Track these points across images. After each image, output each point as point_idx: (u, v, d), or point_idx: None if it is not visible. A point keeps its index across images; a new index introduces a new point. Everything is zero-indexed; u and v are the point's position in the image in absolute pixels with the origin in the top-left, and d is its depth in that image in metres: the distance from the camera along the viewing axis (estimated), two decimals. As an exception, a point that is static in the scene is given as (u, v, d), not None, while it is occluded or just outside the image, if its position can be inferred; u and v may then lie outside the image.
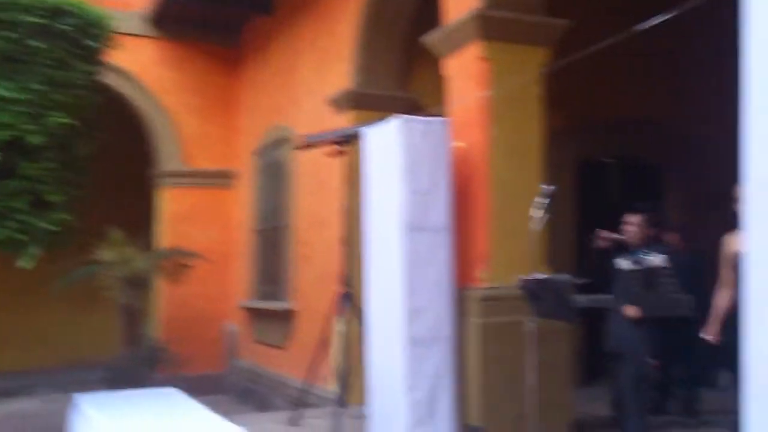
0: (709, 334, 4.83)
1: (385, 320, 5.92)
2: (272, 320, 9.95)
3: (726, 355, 5.65)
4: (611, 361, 5.22)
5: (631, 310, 4.80)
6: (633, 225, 5.16)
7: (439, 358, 5.70)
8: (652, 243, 5.13)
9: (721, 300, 4.73)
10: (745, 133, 3.19)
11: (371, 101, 7.89)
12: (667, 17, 4.08)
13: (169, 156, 11.40)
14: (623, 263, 4.38)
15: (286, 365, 9.30)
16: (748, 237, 3.25)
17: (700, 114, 8.80)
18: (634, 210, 5.27)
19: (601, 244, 5.22)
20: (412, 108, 7.48)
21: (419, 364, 5.65)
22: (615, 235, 5.19)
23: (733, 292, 4.23)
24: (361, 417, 6.37)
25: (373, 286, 6.15)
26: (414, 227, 5.74)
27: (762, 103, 3.18)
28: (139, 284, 9.93)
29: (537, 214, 5.01)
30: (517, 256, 5.67)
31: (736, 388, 4.34)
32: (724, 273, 4.42)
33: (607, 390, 5.55)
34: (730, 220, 4.53)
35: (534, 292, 4.95)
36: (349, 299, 6.67)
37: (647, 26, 4.13)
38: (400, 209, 5.76)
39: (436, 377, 5.67)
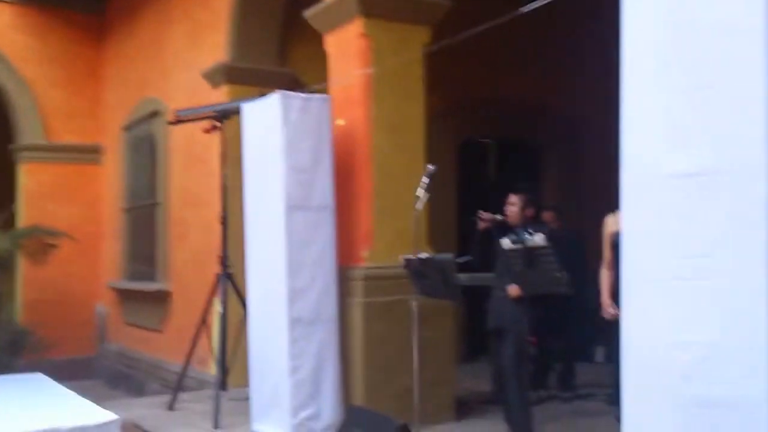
0: (607, 309, 4.90)
1: (267, 301, 5.81)
2: (146, 302, 9.61)
3: (601, 331, 5.90)
4: (492, 338, 5.32)
5: (513, 289, 4.90)
6: (514, 205, 5.25)
7: (323, 339, 5.64)
8: (532, 222, 5.24)
9: (605, 279, 4.88)
10: (623, 116, 3.31)
11: (248, 76, 7.67)
12: (547, 0, 4.14)
13: (29, 129, 10.77)
14: (505, 242, 4.45)
15: (161, 348, 9.02)
16: (624, 217, 3.38)
17: (579, 97, 9.06)
18: (515, 190, 5.37)
19: (483, 224, 5.28)
20: (292, 84, 7.33)
21: (302, 345, 5.57)
22: (496, 216, 5.26)
23: (611, 272, 4.38)
24: (241, 399, 6.26)
25: (253, 265, 6.01)
26: (295, 206, 5.64)
27: (638, 88, 3.29)
28: (-1, 265, 9.38)
29: (420, 193, 5.02)
30: (400, 235, 5.69)
31: (610, 363, 4.55)
32: (606, 252, 4.55)
33: (488, 366, 5.67)
34: (607, 201, 4.69)
35: (417, 271, 4.96)
36: (229, 279, 6.51)
37: (530, 9, 4.18)
38: (280, 187, 5.64)
39: (320, 358, 5.62)
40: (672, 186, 3.11)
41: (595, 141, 8.28)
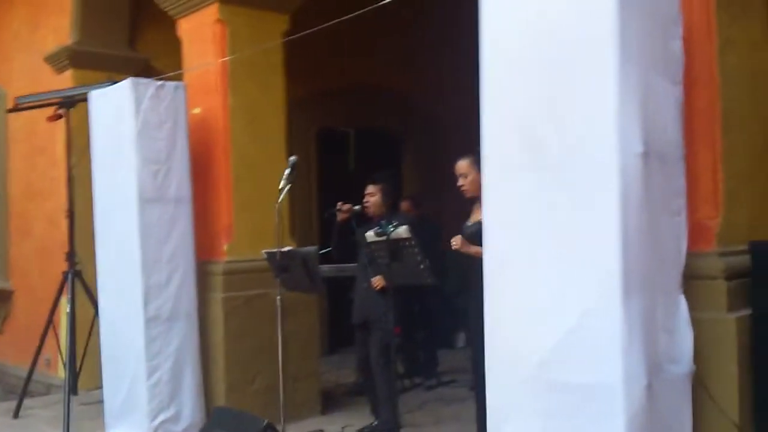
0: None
1: (120, 299, 5.54)
2: (-16, 301, 8.99)
3: (463, 316, 5.98)
4: (358, 330, 5.30)
5: (377, 280, 4.89)
6: (373, 195, 5.25)
7: (182, 337, 5.43)
8: (393, 212, 5.25)
9: None
10: (483, 112, 3.38)
11: (95, 60, 7.31)
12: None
13: None
14: (369, 234, 4.43)
15: (3, 351, 8.46)
16: (485, 209, 3.45)
17: (439, 88, 9.17)
18: (373, 179, 5.35)
19: (342, 216, 5.24)
20: (144, 70, 7.05)
21: (159, 345, 5.35)
22: (354, 207, 5.23)
23: None
24: (94, 403, 5.97)
25: (104, 262, 5.73)
26: (149, 199, 5.41)
27: (496, 84, 3.35)
28: None
29: (281, 185, 4.93)
30: (262, 227, 5.57)
31: (471, 349, 4.63)
32: None
33: (351, 357, 5.68)
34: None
35: (280, 264, 4.87)
36: (77, 277, 6.19)
37: (388, 1, 4.16)
38: (132, 179, 5.39)
39: (179, 357, 5.40)
40: (529, 179, 3.19)
41: (454, 131, 8.44)
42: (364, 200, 5.27)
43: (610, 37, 2.92)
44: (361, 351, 5.28)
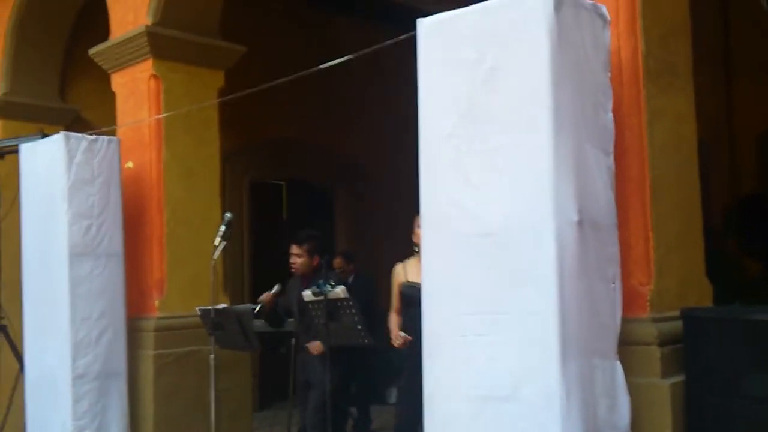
0: (397, 337, 4.66)
1: (47, 356, 5.40)
2: None
3: (395, 372, 5.97)
4: (302, 389, 5.19)
5: (314, 347, 4.75)
6: (300, 256, 5.09)
7: (111, 396, 5.31)
8: (324, 270, 5.12)
9: (393, 321, 4.90)
10: (422, 176, 3.43)
11: (25, 111, 7.16)
12: (343, 59, 4.21)
13: None
14: (306, 294, 4.39)
15: None
16: (424, 274, 3.48)
17: (368, 142, 9.22)
18: (296, 240, 5.16)
19: (268, 306, 5.01)
20: (75, 121, 6.94)
21: (87, 403, 5.23)
22: (272, 291, 5.06)
23: (399, 317, 4.43)
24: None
25: (32, 317, 5.59)
26: (80, 253, 5.33)
27: (435, 148, 3.41)
28: None
29: (216, 241, 4.87)
30: (195, 283, 5.52)
31: (404, 404, 4.61)
32: (395, 301, 4.59)
33: (283, 413, 5.56)
34: (399, 246, 4.80)
35: (214, 322, 4.79)
36: (3, 331, 5.99)
37: (327, 66, 4.24)
38: (63, 234, 5.30)
39: (107, 416, 5.28)
40: (467, 245, 3.25)
41: (384, 184, 8.54)
42: (291, 260, 5.16)
43: (544, 110, 3.03)
44: (304, 408, 5.16)
